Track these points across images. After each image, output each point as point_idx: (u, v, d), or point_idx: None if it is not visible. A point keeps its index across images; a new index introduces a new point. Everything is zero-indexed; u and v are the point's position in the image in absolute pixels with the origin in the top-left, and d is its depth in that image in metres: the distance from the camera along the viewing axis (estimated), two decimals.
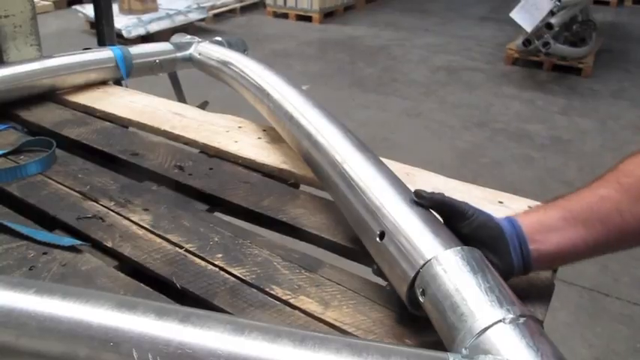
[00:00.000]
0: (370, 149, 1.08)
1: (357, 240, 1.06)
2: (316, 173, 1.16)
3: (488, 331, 0.65)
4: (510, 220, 0.86)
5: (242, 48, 2.02)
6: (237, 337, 0.63)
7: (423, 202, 0.87)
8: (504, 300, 0.69)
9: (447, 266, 0.75)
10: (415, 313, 0.81)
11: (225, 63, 1.73)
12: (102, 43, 2.26)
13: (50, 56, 1.75)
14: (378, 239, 0.86)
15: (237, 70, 1.63)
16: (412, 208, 0.86)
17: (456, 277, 0.73)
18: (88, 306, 0.67)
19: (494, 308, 0.67)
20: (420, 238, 0.80)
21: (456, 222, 0.86)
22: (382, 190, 0.92)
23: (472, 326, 0.66)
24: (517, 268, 0.84)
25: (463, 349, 0.65)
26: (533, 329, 0.66)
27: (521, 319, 0.66)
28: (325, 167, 1.08)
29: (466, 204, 0.87)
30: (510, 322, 0.65)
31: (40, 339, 0.66)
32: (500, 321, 0.65)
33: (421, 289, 0.76)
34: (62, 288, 0.71)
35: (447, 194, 0.89)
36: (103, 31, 2.26)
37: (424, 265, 0.76)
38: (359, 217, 0.94)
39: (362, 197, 0.94)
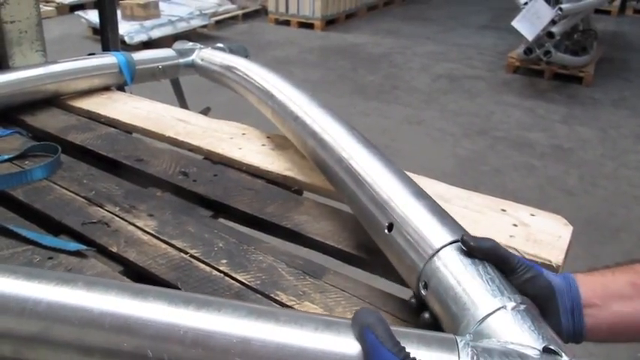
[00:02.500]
0: (375, 145, 1.10)
1: (362, 247, 1.07)
2: (323, 171, 1.18)
3: (490, 318, 0.68)
4: (567, 277, 0.77)
5: (243, 54, 2.04)
6: (268, 324, 0.65)
7: (472, 251, 0.78)
8: (505, 289, 0.71)
9: (447, 261, 0.77)
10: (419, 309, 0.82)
11: (228, 67, 1.74)
12: (106, 48, 2.27)
13: (55, 61, 1.76)
14: (386, 231, 0.88)
15: (240, 73, 1.64)
16: (419, 200, 0.89)
17: (457, 269, 0.75)
18: (112, 295, 0.68)
19: (495, 297, 0.70)
20: (428, 229, 0.82)
21: (503, 273, 0.77)
22: (389, 184, 0.95)
23: (475, 314, 0.69)
24: (566, 333, 0.74)
25: (467, 335, 0.67)
26: (534, 315, 0.68)
27: (522, 306, 0.69)
28: (332, 164, 1.10)
29: (516, 257, 0.79)
30: (512, 309, 0.68)
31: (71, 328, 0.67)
32: (502, 308, 0.68)
33: (423, 282, 0.78)
34: (85, 279, 0.72)
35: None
36: (107, 37, 2.27)
37: (433, 255, 0.78)
38: (367, 211, 0.96)
39: (370, 192, 0.96)
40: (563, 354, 0.62)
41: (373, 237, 0.96)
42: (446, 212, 0.88)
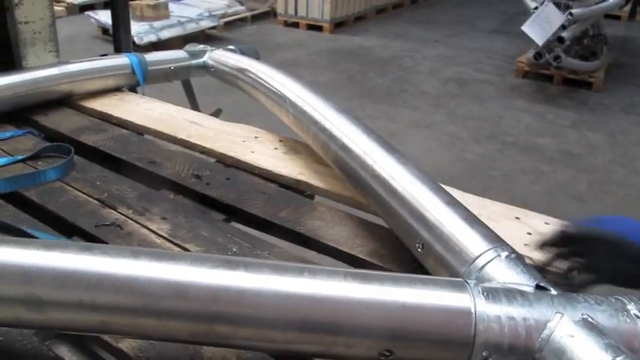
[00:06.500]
0: (396, 149, 1.12)
1: (375, 253, 1.07)
2: (347, 175, 1.19)
3: (488, 266, 0.81)
4: None
5: (254, 56, 2.04)
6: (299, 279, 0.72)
7: (559, 246, 0.83)
8: (497, 242, 0.85)
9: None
10: None
11: (241, 70, 1.74)
12: (119, 49, 2.28)
13: (68, 62, 1.77)
14: (419, 250, 0.94)
15: (254, 77, 1.64)
16: (450, 208, 0.94)
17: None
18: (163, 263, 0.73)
19: (490, 249, 0.83)
20: (464, 238, 0.88)
21: (610, 257, 0.79)
22: (419, 192, 0.99)
23: (475, 263, 0.82)
24: None
25: (473, 279, 0.77)
26: (523, 262, 0.82)
27: (513, 255, 0.82)
28: (357, 169, 1.12)
29: (621, 234, 0.80)
30: (505, 258, 0.81)
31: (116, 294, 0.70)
32: (497, 257, 0.81)
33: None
34: (131, 249, 0.76)
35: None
36: (119, 37, 2.28)
37: (473, 261, 0.84)
38: (398, 218, 1.00)
39: (398, 199, 1.00)
40: (551, 288, 0.76)
41: (403, 240, 1.01)
42: (477, 218, 0.92)
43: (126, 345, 0.85)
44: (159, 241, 1.09)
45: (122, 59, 1.85)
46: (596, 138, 4.45)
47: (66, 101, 1.76)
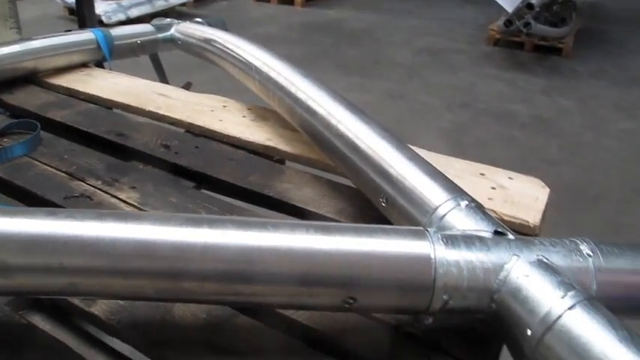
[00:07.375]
0: (360, 109, 1.13)
1: (343, 211, 1.09)
2: (313, 138, 1.20)
3: (448, 215, 0.84)
4: None
5: (221, 27, 2.02)
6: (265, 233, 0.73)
7: None
8: (457, 193, 0.88)
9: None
10: None
11: (207, 41, 1.73)
12: (83, 26, 2.25)
13: (31, 38, 1.73)
14: (383, 204, 0.96)
15: (221, 46, 1.63)
16: (412, 162, 0.96)
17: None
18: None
19: (449, 199, 0.86)
20: (425, 190, 0.90)
21: None
22: (382, 148, 1.00)
23: (436, 213, 0.85)
24: None
25: (434, 228, 0.80)
26: (483, 209, 0.86)
27: (473, 204, 0.86)
28: (322, 130, 1.13)
29: None
30: (465, 207, 0.84)
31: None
32: (457, 206, 0.85)
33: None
34: (96, 212, 0.77)
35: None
36: (84, 14, 2.24)
37: (434, 211, 0.87)
38: (363, 175, 1.02)
39: (362, 156, 1.02)
40: (509, 233, 0.80)
41: (369, 197, 1.02)
42: (438, 171, 0.95)
43: (97, 309, 0.86)
44: (128, 209, 1.10)
45: (87, 34, 1.83)
46: (567, 103, 4.52)
47: (32, 78, 1.74)
